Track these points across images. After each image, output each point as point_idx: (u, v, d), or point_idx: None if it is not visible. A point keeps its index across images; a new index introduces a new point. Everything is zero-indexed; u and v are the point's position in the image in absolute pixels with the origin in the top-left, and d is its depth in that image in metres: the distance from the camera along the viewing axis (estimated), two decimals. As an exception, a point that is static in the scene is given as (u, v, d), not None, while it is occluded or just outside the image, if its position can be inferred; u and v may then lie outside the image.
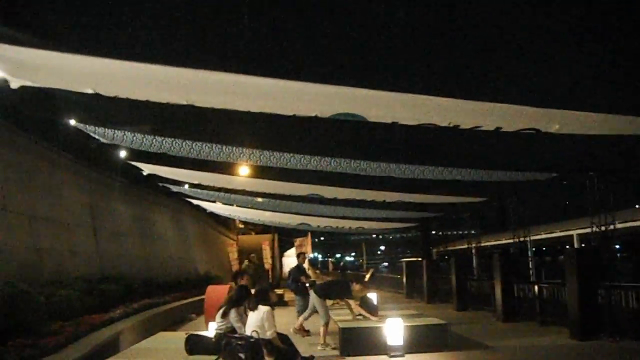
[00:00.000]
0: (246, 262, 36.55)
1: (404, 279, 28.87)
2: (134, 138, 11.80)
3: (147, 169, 16.33)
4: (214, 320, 8.94)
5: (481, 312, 19.89)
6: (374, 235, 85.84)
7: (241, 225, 46.86)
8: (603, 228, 15.36)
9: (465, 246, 24.11)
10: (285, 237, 50.62)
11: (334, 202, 18.17)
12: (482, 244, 23.30)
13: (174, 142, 11.90)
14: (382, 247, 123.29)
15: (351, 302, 12.74)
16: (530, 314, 16.48)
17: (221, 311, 8.66)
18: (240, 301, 8.58)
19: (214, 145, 12.17)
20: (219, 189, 18.57)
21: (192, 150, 12.21)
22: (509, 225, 21.20)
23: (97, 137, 12.10)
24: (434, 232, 33.79)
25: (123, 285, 15.38)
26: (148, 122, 11.98)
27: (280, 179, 15.03)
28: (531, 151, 12.94)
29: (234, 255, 37.35)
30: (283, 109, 8.46)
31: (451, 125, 8.60)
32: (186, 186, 20.34)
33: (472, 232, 23.84)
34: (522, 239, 18.23)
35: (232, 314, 8.49)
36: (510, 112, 8.13)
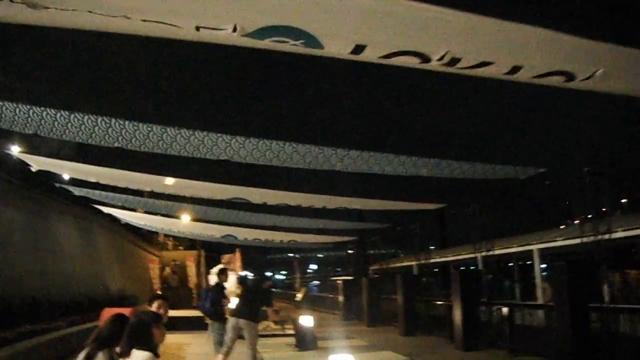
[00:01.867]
0: (167, 269, 33.63)
1: (341, 299, 26.32)
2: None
3: (35, 163, 13.13)
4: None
5: (433, 337, 17.50)
6: (305, 254, 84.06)
7: (166, 241, 43.84)
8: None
9: (412, 263, 21.64)
10: (213, 254, 48.15)
11: (262, 208, 15.29)
12: (434, 260, 20.78)
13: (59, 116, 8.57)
14: (314, 266, 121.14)
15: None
16: (497, 340, 14.09)
17: (82, 354, 5.48)
18: (112, 340, 5.39)
19: (115, 122, 8.81)
20: (127, 191, 15.46)
21: (86, 130, 8.86)
22: (462, 239, 18.89)
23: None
24: (370, 249, 31.35)
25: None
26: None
27: (201, 177, 12.11)
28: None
29: (155, 272, 34.58)
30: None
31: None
32: (89, 190, 17.11)
33: (419, 247, 21.25)
34: (485, 254, 15.75)
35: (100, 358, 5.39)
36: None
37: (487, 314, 15.06)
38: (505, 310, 14.17)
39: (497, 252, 15.81)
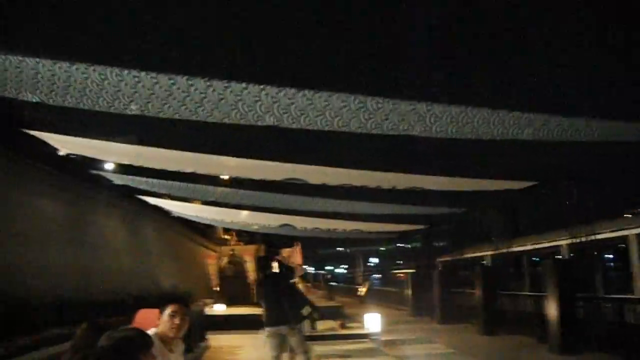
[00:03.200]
0: (224, 259, 32.15)
1: (409, 293, 24.21)
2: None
3: (59, 143, 11.45)
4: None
5: (519, 336, 15.26)
6: (366, 247, 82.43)
7: (226, 236, 42.58)
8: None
9: (492, 252, 19.31)
10: (273, 249, 46.74)
11: (322, 191, 13.28)
12: (515, 249, 18.38)
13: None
14: (374, 259, 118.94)
15: None
16: (603, 344, 11.81)
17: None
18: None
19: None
20: (174, 175, 13.59)
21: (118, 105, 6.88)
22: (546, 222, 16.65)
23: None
24: (439, 240, 29.03)
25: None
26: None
27: (244, 151, 10.14)
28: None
29: (214, 268, 33.26)
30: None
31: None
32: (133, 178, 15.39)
33: (499, 234, 18.93)
34: (583, 239, 13.42)
35: None
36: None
37: (587, 310, 12.80)
38: (611, 306, 11.90)
39: (599, 236, 13.43)
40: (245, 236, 41.72)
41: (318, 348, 12.61)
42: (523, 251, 17.83)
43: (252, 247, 39.17)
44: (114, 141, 10.20)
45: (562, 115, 7.00)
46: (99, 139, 10.14)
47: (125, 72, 6.11)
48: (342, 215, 17.07)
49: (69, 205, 16.71)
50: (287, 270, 9.63)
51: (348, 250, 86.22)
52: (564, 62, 7.87)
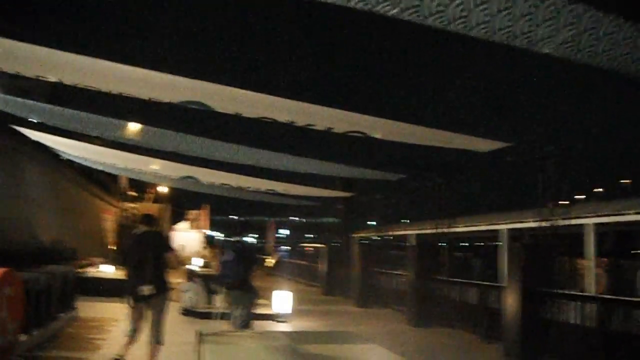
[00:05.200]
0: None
1: (324, 269, 21.83)
2: None
3: None
4: None
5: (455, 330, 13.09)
6: (278, 218, 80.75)
7: (132, 192, 39.56)
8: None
9: (423, 231, 16.96)
10: (180, 209, 44.49)
11: (232, 129, 10.68)
12: (463, 228, 15.83)
13: None
14: (285, 231, 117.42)
15: None
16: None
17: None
18: None
19: None
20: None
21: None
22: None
23: None
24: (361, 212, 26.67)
25: None
26: None
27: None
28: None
29: (111, 225, 30.30)
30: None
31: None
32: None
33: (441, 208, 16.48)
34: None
35: None
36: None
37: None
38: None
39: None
40: (152, 193, 39.00)
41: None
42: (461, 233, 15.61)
43: (156, 206, 36.40)
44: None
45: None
46: None
47: None
48: (254, 170, 14.33)
49: None
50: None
51: (261, 219, 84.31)
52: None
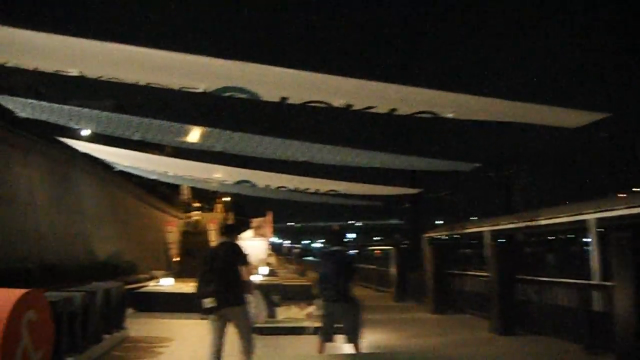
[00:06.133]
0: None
1: (393, 273, 20.54)
2: None
3: None
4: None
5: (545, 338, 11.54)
6: (344, 222, 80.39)
7: (194, 202, 39.08)
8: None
9: (513, 225, 15.22)
10: (241, 217, 43.95)
11: (283, 118, 9.58)
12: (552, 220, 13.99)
13: None
14: (352, 235, 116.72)
15: None
16: None
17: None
18: None
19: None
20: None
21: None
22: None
23: None
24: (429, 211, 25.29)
25: None
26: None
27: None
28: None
29: (173, 236, 29.69)
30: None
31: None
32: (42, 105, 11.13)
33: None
34: None
35: None
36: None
37: None
38: None
39: None
40: (214, 202, 38.59)
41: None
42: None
43: (221, 215, 35.70)
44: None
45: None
46: None
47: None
48: (310, 168, 13.17)
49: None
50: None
51: (325, 224, 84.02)
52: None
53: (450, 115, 7.68)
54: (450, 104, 7.50)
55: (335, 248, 9.00)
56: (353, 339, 8.41)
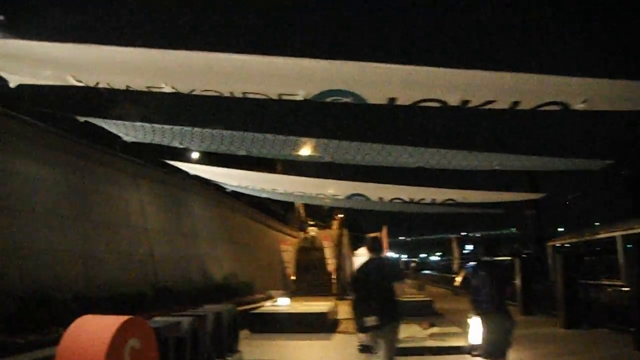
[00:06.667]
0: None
1: (518, 285, 19.36)
2: None
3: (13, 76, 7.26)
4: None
5: None
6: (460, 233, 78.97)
7: (309, 220, 39.14)
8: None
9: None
10: (355, 233, 43.58)
11: (388, 130, 9.01)
12: None
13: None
14: (469, 247, 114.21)
15: None
16: None
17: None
18: None
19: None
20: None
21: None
22: None
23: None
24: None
25: None
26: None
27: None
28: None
29: (290, 255, 29.63)
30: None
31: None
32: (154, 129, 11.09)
33: None
34: None
35: None
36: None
37: None
38: None
39: None
40: (329, 219, 38.45)
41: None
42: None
43: (333, 232, 35.41)
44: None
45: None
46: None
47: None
48: (423, 175, 12.44)
49: (74, 173, 13.00)
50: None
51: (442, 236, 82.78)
52: None
53: (580, 106, 6.72)
54: (584, 92, 6.56)
55: (485, 258, 8.62)
56: (501, 355, 7.96)
